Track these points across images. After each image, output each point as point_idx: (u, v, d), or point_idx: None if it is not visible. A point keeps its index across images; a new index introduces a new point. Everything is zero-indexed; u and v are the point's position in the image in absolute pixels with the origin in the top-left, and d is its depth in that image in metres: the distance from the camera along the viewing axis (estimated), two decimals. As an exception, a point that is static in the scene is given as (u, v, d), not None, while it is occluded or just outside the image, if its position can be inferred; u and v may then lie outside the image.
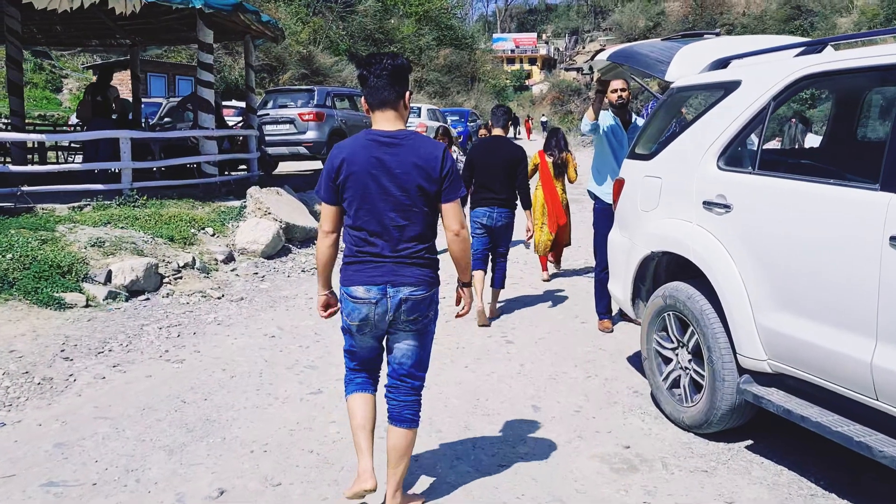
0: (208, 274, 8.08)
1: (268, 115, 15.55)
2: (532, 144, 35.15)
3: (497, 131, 6.90)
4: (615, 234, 5.19)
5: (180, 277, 7.73)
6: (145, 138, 10.71)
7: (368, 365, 3.42)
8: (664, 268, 4.71)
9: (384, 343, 3.35)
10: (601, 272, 6.34)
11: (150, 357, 5.63)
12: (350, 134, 16.34)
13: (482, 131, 10.45)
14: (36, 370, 5.17)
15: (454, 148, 9.86)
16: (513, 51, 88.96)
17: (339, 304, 3.28)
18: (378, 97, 3.10)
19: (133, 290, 7.17)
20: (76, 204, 9.04)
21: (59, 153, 14.94)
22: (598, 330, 6.46)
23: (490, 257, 6.89)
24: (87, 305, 6.62)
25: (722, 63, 4.50)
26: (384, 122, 3.12)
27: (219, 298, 7.40)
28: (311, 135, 15.33)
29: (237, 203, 10.28)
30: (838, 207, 3.29)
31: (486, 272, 6.90)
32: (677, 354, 4.41)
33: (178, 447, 4.08)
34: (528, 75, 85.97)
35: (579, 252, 10.22)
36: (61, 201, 9.10)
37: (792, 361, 3.55)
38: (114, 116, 12.38)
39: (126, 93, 17.15)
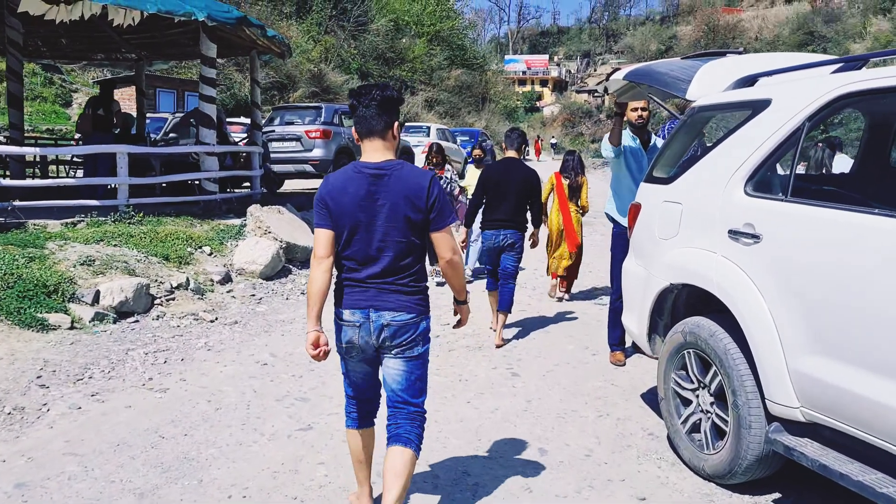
0: (203, 295, 7.75)
1: (274, 131, 15.30)
2: (541, 165, 34.88)
3: (511, 153, 6.81)
4: (630, 263, 4.84)
5: (173, 299, 7.41)
6: (145, 153, 10.42)
7: (364, 393, 3.40)
8: (684, 301, 4.36)
9: (378, 370, 3.38)
10: (617, 300, 5.98)
11: (132, 385, 5.29)
12: (356, 151, 16.15)
13: (476, 151, 9.99)
14: (8, 398, 4.83)
15: (448, 167, 9.50)
16: (524, 72, 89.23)
17: (327, 344, 3.19)
18: (366, 126, 3.14)
19: (122, 312, 6.85)
20: (70, 220, 8.75)
21: (61, 168, 14.70)
22: (609, 363, 6.09)
23: (499, 279, 6.83)
24: (71, 327, 6.30)
25: (749, 80, 4.17)
26: (372, 151, 3.16)
27: (212, 322, 7.07)
28: (317, 153, 15.04)
29: (238, 221, 9.98)
30: (882, 239, 2.93)
31: (497, 290, 6.89)
32: (698, 396, 4.04)
33: (149, 490, 3.73)
34: (540, 97, 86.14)
35: (590, 277, 9.86)
36: (55, 217, 8.81)
37: (829, 411, 3.18)
38: (116, 131, 12.15)
39: (132, 108, 16.95)
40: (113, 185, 9.79)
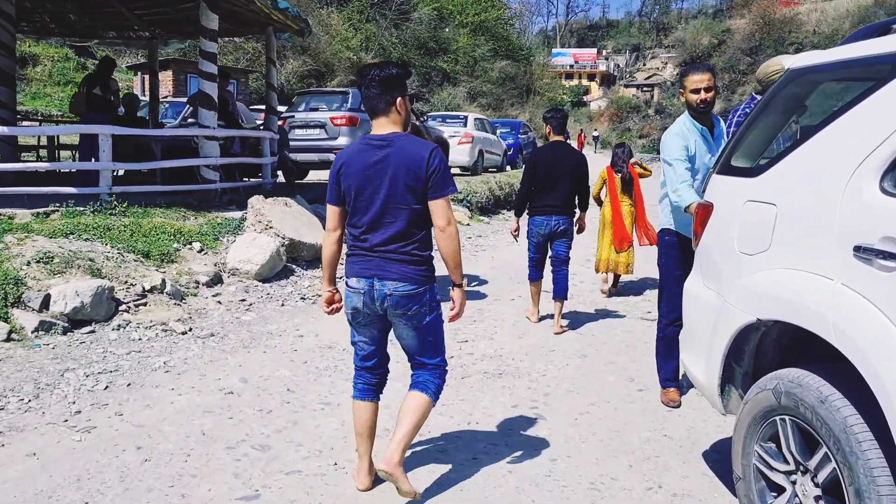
0: (182, 300, 6.65)
1: (297, 117, 14.22)
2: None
3: (557, 137, 6.67)
4: (695, 284, 3.57)
5: (144, 304, 6.32)
6: (137, 136, 9.38)
7: (371, 360, 3.50)
8: (775, 342, 3.10)
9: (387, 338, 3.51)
10: (667, 327, 4.77)
11: (50, 421, 4.19)
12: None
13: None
14: None
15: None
16: (572, 66, 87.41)
17: (342, 302, 3.46)
18: (369, 105, 3.27)
19: (76, 320, 5.78)
20: (42, 209, 7.72)
21: (60, 152, 13.67)
22: (660, 402, 4.84)
23: (551, 266, 6.73)
24: (7, 339, 5.25)
25: (881, 28, 2.89)
26: (378, 127, 3.28)
27: (182, 334, 5.96)
28: (342, 141, 13.90)
29: (239, 214, 8.88)
30: None
31: (541, 282, 6.87)
32: (795, 483, 2.78)
33: None
34: (587, 91, 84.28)
35: (636, 285, 8.58)
36: (27, 206, 7.80)
37: None
38: (120, 112, 11.16)
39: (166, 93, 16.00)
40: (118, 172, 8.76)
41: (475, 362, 5.66)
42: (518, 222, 6.83)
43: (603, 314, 7.35)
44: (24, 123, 15.92)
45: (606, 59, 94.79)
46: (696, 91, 4.57)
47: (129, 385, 4.80)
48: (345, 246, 3.43)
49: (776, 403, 2.79)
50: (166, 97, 18.06)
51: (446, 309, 3.35)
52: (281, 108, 16.96)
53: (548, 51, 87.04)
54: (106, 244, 6.98)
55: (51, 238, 6.78)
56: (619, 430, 4.37)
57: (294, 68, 29.78)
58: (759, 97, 4.81)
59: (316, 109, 14.69)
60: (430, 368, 3.44)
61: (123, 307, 6.14)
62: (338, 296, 3.46)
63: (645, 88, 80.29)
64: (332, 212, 3.37)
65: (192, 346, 5.67)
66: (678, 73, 4.92)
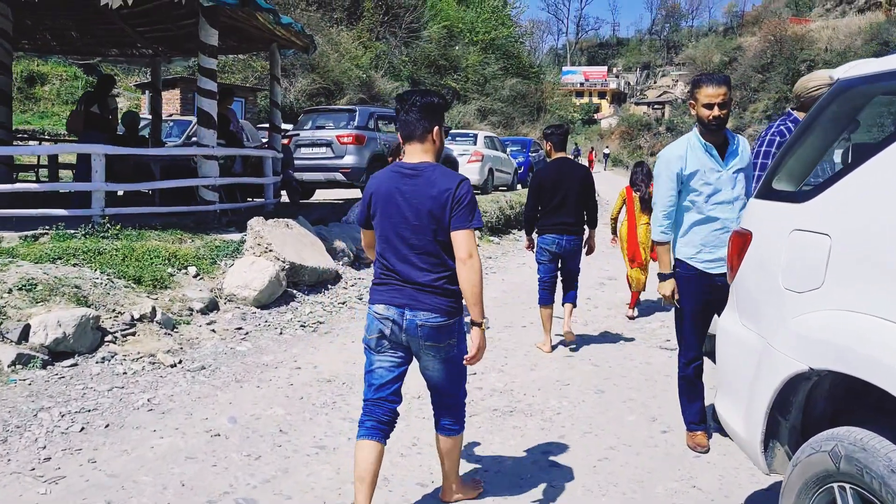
0: (173, 329, 6.28)
1: (303, 136, 13.89)
2: (595, 176, 32.80)
3: (560, 154, 6.56)
4: (732, 323, 3.16)
5: (132, 334, 5.95)
6: (136, 155, 9.05)
7: (386, 389, 3.32)
8: (828, 394, 2.70)
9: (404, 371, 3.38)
10: (686, 366, 4.36)
11: (15, 470, 3.80)
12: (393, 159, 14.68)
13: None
14: None
15: None
16: (582, 84, 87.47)
17: None
18: (405, 130, 3.23)
19: (58, 353, 5.41)
20: (31, 232, 7.38)
21: (61, 171, 13.34)
22: (686, 446, 4.41)
23: (561, 283, 6.69)
24: (-20, 374, 4.88)
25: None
26: (410, 154, 3.24)
27: (171, 367, 5.58)
28: (349, 160, 13.56)
29: (238, 236, 8.52)
30: None
31: (552, 306, 6.61)
32: (856, 563, 2.37)
33: None
34: (598, 109, 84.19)
35: (659, 316, 8.17)
36: (14, 229, 7.46)
37: None
38: (121, 132, 10.86)
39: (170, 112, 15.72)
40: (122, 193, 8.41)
41: (484, 398, 5.26)
42: (530, 238, 6.75)
43: (619, 343, 6.93)
44: (31, 143, 15.65)
45: (617, 76, 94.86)
46: (709, 106, 4.06)
47: (107, 426, 4.42)
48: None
49: (834, 469, 2.38)
50: (171, 115, 17.81)
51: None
52: (287, 126, 16.69)
53: (558, 69, 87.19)
54: (95, 269, 6.63)
55: (36, 263, 6.43)
56: (643, 479, 3.95)
57: (303, 86, 29.56)
58: (795, 113, 4.42)
59: (322, 127, 14.35)
60: (451, 405, 3.42)
61: (109, 337, 5.77)
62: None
63: (656, 106, 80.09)
64: (365, 234, 3.43)
65: (179, 381, 5.28)
66: (690, 83, 4.43)
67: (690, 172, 4.17)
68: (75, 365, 5.34)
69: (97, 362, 5.43)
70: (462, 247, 3.08)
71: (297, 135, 13.81)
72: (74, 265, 6.63)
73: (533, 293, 6.85)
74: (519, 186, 21.34)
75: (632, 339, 7.07)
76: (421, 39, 39.25)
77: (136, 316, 6.11)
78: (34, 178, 12.18)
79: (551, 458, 4.22)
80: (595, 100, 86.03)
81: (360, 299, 8.18)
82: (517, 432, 4.62)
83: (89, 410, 4.62)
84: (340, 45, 33.06)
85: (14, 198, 9.75)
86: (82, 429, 4.35)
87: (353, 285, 8.74)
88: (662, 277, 4.33)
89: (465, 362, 3.23)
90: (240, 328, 6.68)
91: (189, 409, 4.79)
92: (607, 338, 7.12)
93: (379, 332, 3.22)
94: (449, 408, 3.43)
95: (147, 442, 4.23)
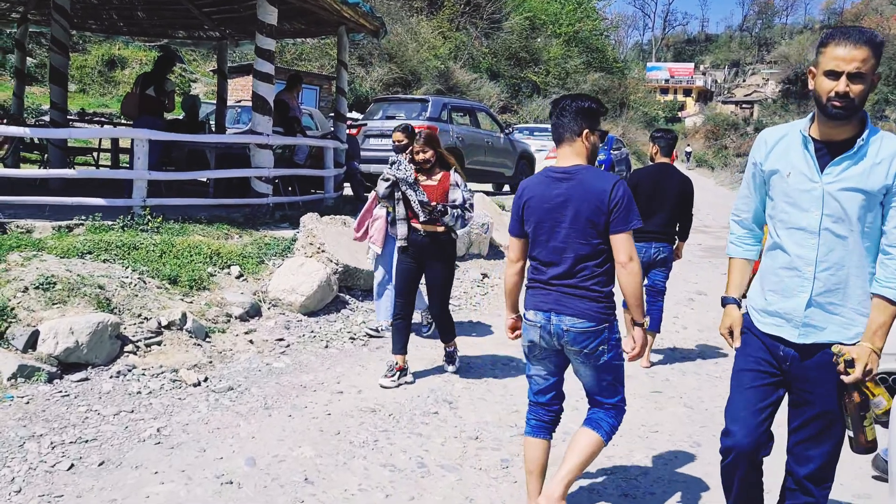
0: (205, 338, 5.59)
1: (372, 126, 13.18)
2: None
3: (663, 159, 6.21)
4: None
5: (157, 343, 5.28)
6: (188, 142, 8.44)
7: (546, 394, 3.38)
8: None
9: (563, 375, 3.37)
10: (724, 456, 2.84)
11: (-26, 523, 3.13)
12: (466, 153, 13.81)
13: (397, 135, 6.00)
14: None
15: (456, 176, 5.38)
16: (667, 80, 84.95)
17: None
18: (556, 133, 3.25)
19: (69, 364, 4.77)
20: (66, 223, 6.81)
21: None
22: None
23: (645, 296, 5.99)
24: (-26, 388, 4.25)
25: None
26: (562, 157, 3.24)
27: (195, 385, 4.87)
28: (420, 153, 12.81)
29: (290, 233, 7.83)
30: None
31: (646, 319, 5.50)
32: None
33: None
34: (682, 107, 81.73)
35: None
36: (50, 217, 6.90)
37: None
38: (181, 116, 10.33)
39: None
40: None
41: (553, 444, 4.39)
42: None
43: (716, 377, 5.95)
44: (89, 126, 15.36)
45: (704, 74, 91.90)
46: (834, 75, 2.52)
47: (101, 464, 3.72)
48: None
49: None
50: (239, 101, 17.37)
51: None
52: (357, 116, 16.03)
53: (643, 64, 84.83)
54: (127, 267, 6.00)
55: (63, 258, 5.84)
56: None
57: (379, 75, 29.03)
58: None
59: (393, 117, 13.62)
60: (608, 409, 3.30)
61: (130, 347, 5.11)
62: (521, 323, 3.39)
63: (744, 105, 77.20)
64: (514, 243, 3.38)
65: (199, 405, 4.57)
66: (819, 39, 2.70)
67: (771, 170, 2.75)
68: (86, 380, 4.69)
69: (111, 377, 4.76)
70: (622, 250, 3.07)
71: (366, 125, 13.11)
72: (105, 261, 6.01)
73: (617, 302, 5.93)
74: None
75: (725, 373, 6.08)
76: (502, 31, 38.39)
77: (164, 323, 5.43)
78: (93, 163, 11.75)
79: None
80: (680, 97, 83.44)
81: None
82: (593, 496, 3.75)
83: (86, 441, 3.93)
84: (419, 34, 32.45)
85: (68, 184, 9.32)
86: (72, 466, 3.66)
87: (413, 291, 7.96)
88: (724, 302, 2.95)
89: (627, 358, 3.22)
90: (281, 339, 5.96)
91: (203, 443, 4.06)
92: (701, 370, 6.14)
93: (530, 340, 3.25)
94: (607, 410, 3.30)
95: (143, 489, 3.50)
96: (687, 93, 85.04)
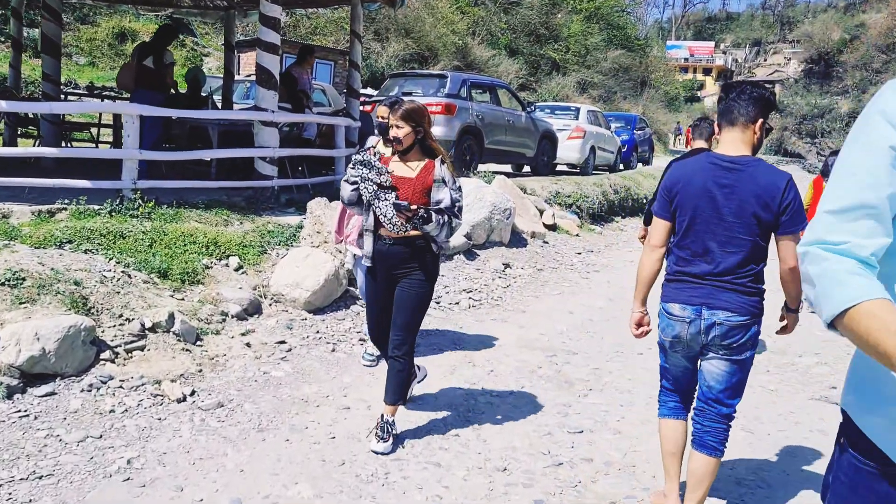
0: (196, 341, 4.94)
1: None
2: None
3: (700, 143, 5.57)
4: None
5: (140, 347, 4.63)
6: (190, 118, 7.75)
7: (681, 386, 3.34)
8: None
9: (697, 366, 3.25)
10: None
11: None
12: (486, 132, 13.02)
13: (381, 109, 4.88)
14: None
15: (445, 164, 3.91)
16: (687, 59, 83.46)
17: (649, 324, 3.30)
18: (727, 116, 3.12)
19: (34, 375, 4.12)
20: (47, 207, 6.15)
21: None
22: None
23: None
24: (-84, 407, 3.61)
25: None
26: (728, 143, 3.11)
27: (179, 401, 4.22)
28: (436, 131, 12.06)
29: (297, 220, 7.15)
30: None
31: None
32: None
33: None
34: (702, 86, 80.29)
35: (811, 345, 6.42)
36: (30, 200, 6.25)
37: None
38: (183, 90, 9.63)
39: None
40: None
41: (595, 477, 3.73)
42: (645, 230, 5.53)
43: (768, 391, 5.26)
44: (86, 99, 14.69)
45: (724, 53, 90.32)
46: None
47: (54, 510, 3.08)
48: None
49: None
50: (250, 76, 16.63)
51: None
52: (371, 92, 15.29)
53: (662, 43, 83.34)
54: (111, 258, 5.35)
55: (38, 248, 5.19)
56: None
57: (395, 51, 28.24)
58: None
59: (409, 94, 12.87)
60: (721, 417, 3.17)
61: (108, 354, 4.45)
62: (647, 318, 3.29)
63: (766, 85, 75.79)
64: (660, 226, 3.20)
65: (182, 428, 3.91)
66: None
67: None
68: (52, 394, 4.04)
69: (82, 390, 4.11)
70: (791, 253, 2.96)
71: (381, 101, 12.37)
72: (86, 251, 5.36)
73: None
74: (622, 167, 19.43)
75: (782, 385, 5.39)
76: (521, 6, 37.53)
77: (149, 324, 4.78)
78: (92, 139, 11.07)
79: None
80: (699, 76, 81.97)
81: (443, 304, 6.71)
82: None
83: (40, 478, 3.28)
84: (437, 9, 31.63)
85: (60, 163, 8.67)
86: (17, 514, 3.02)
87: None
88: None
89: (776, 332, 3.28)
90: (282, 342, 5.30)
91: (182, 479, 3.40)
92: (753, 381, 5.43)
93: (674, 335, 3.15)
94: (719, 420, 3.17)
95: (102, 545, 2.86)
96: (707, 72, 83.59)
